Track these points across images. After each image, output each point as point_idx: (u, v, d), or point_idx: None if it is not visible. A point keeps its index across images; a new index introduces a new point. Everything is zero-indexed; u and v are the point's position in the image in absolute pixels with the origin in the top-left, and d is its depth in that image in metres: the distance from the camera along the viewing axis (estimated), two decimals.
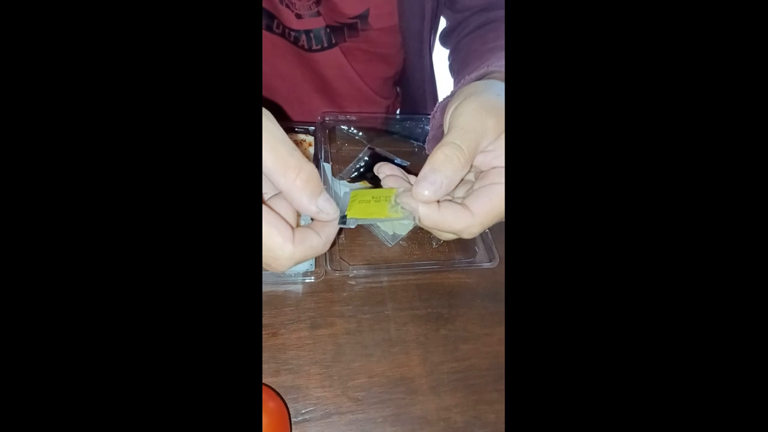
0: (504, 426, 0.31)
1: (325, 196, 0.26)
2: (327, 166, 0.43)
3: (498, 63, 0.34)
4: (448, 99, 0.33)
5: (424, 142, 0.49)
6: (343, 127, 0.51)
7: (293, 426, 0.30)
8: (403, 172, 0.31)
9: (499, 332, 0.37)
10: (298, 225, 0.27)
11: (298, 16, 0.49)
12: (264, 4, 0.48)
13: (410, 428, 0.31)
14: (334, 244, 0.38)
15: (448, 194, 0.27)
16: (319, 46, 0.52)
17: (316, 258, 0.37)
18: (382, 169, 0.31)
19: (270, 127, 0.23)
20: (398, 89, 0.66)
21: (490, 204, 0.27)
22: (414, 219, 0.27)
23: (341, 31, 0.51)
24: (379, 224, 0.41)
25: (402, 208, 0.27)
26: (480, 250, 0.41)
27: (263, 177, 0.24)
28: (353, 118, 0.51)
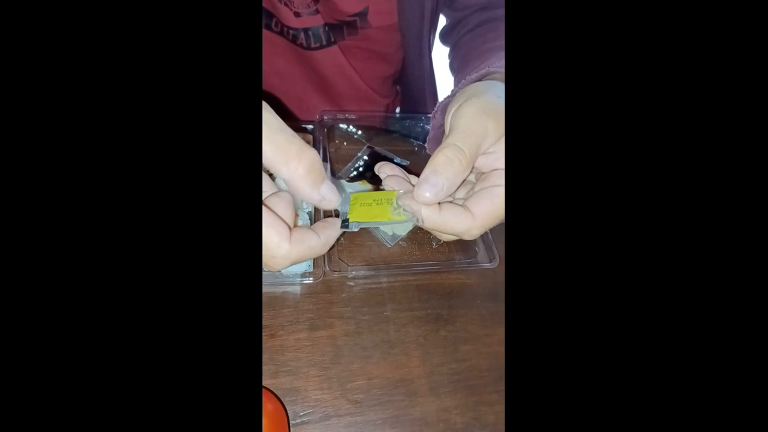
0: (504, 427, 0.31)
1: (327, 183, 0.25)
2: (325, 165, 0.43)
3: (498, 63, 0.34)
4: (449, 99, 0.33)
5: (423, 141, 0.48)
6: (342, 125, 0.50)
7: (292, 428, 0.29)
8: (404, 171, 0.31)
9: (499, 333, 0.36)
10: (295, 225, 0.27)
11: (297, 14, 0.48)
12: (263, 3, 0.47)
13: (410, 430, 0.31)
14: (333, 244, 0.38)
15: (449, 195, 0.27)
16: (317, 45, 0.51)
17: (314, 259, 0.37)
18: (383, 169, 0.31)
19: (269, 119, 0.23)
20: (398, 88, 0.66)
21: (491, 206, 0.27)
22: (416, 221, 0.27)
23: (340, 29, 0.50)
24: (379, 225, 0.41)
25: (404, 210, 0.27)
26: (480, 250, 0.41)
27: (262, 173, 0.24)
28: (352, 116, 0.51)
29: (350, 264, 0.38)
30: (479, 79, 0.33)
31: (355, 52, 0.54)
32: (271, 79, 0.56)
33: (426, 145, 0.40)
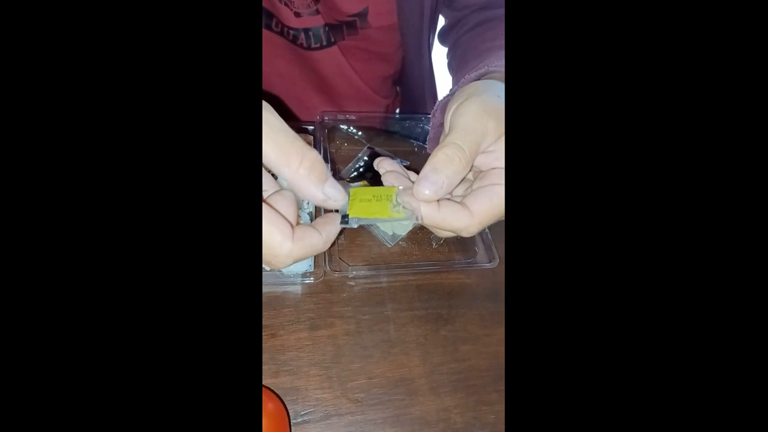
0: (504, 427, 0.31)
1: (331, 182, 0.25)
2: (326, 166, 0.43)
3: (497, 63, 0.34)
4: (448, 98, 0.33)
5: (423, 141, 0.48)
6: (342, 126, 0.51)
7: (293, 428, 0.29)
8: (403, 168, 0.31)
9: (499, 333, 0.36)
10: (297, 223, 0.27)
11: (297, 15, 0.48)
12: (263, 3, 0.48)
13: (410, 429, 0.31)
14: (333, 244, 0.38)
15: (448, 193, 0.27)
16: (318, 45, 0.51)
17: (315, 259, 0.37)
18: (382, 165, 0.31)
19: (270, 119, 0.23)
20: (398, 88, 0.66)
21: (489, 204, 0.27)
22: (415, 218, 0.27)
23: (340, 29, 0.51)
24: (379, 224, 0.41)
25: (403, 207, 0.27)
26: (480, 250, 0.41)
27: (262, 173, 0.24)
28: (353, 117, 0.51)
29: (351, 264, 0.38)
30: (478, 78, 0.33)
31: (355, 52, 0.54)
32: (271, 80, 0.56)
33: (426, 144, 0.40)
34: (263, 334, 0.34)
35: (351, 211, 0.28)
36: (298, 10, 0.48)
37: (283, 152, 0.23)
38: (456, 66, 0.49)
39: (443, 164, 0.26)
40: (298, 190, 0.25)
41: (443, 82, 0.54)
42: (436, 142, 0.27)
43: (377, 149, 0.48)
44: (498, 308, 0.38)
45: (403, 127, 0.53)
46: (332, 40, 0.51)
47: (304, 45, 0.51)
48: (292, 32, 0.50)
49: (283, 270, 0.36)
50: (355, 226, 0.28)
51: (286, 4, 0.47)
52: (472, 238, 0.42)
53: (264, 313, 0.35)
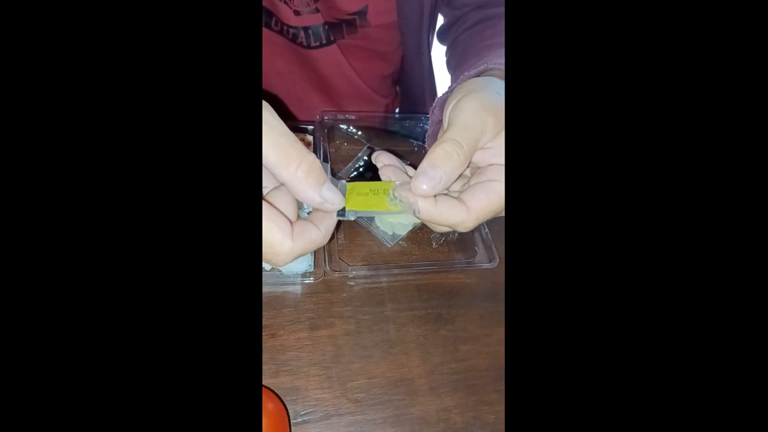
0: (504, 426, 0.31)
1: (328, 185, 0.26)
2: (326, 166, 0.43)
3: (496, 60, 0.34)
4: (447, 94, 0.33)
5: (423, 141, 0.48)
6: (342, 126, 0.50)
7: (292, 427, 0.29)
8: (401, 162, 0.31)
9: (499, 332, 0.36)
10: (298, 218, 0.27)
11: (297, 13, 0.48)
12: (263, 1, 0.47)
13: (410, 429, 0.31)
14: (333, 244, 0.38)
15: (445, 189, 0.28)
16: (317, 44, 0.51)
17: (315, 258, 0.37)
18: (380, 158, 0.31)
19: (270, 119, 0.23)
20: (397, 89, 0.66)
21: (486, 200, 0.27)
22: (412, 212, 0.27)
23: (339, 27, 0.50)
24: (378, 224, 0.41)
25: (400, 201, 0.27)
26: (480, 250, 0.41)
27: (263, 171, 0.24)
28: (352, 117, 0.51)
29: (350, 264, 0.38)
30: (477, 76, 0.33)
31: (355, 51, 0.54)
32: (270, 79, 0.56)
33: (425, 141, 0.40)
34: (263, 334, 0.33)
35: (348, 204, 0.28)
36: (297, 9, 0.48)
37: (282, 154, 0.23)
38: (455, 64, 0.49)
39: (442, 160, 0.26)
40: (295, 193, 0.25)
41: (443, 81, 0.54)
42: (435, 138, 0.27)
43: (377, 149, 0.48)
44: (498, 308, 0.38)
45: (403, 126, 0.53)
46: (332, 38, 0.51)
47: (304, 44, 0.51)
48: (291, 31, 0.50)
49: (283, 270, 0.36)
50: (352, 218, 0.29)
51: (285, 3, 0.47)
52: (472, 239, 0.42)
53: (264, 313, 0.35)
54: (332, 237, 0.38)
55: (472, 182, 0.29)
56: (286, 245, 0.25)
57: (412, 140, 0.52)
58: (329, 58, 0.53)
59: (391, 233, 0.41)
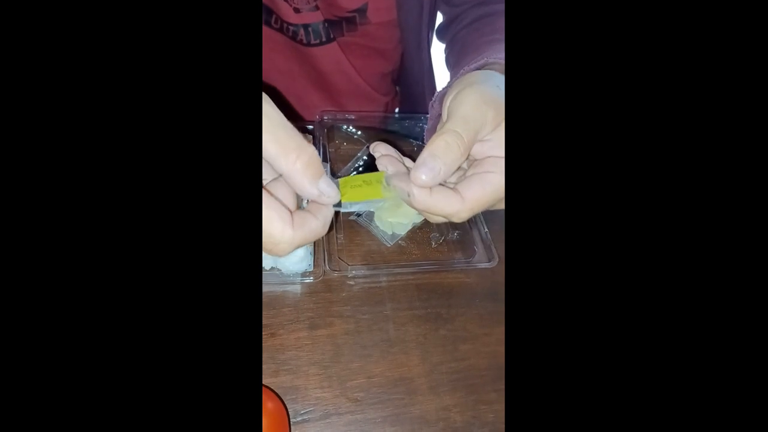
0: (503, 426, 0.31)
1: (326, 178, 0.26)
2: (325, 166, 0.43)
3: (495, 55, 0.34)
4: (447, 89, 0.33)
5: (423, 141, 0.48)
6: (342, 126, 0.50)
7: (292, 427, 0.30)
8: (398, 153, 0.31)
9: (498, 332, 0.37)
10: (298, 208, 0.27)
11: (297, 11, 0.48)
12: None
13: (409, 428, 0.31)
14: (332, 240, 0.38)
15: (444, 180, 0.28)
16: (317, 41, 0.51)
17: (314, 258, 0.37)
18: (377, 149, 0.31)
19: (269, 111, 0.23)
20: (397, 88, 0.66)
21: (481, 191, 0.28)
22: (407, 196, 0.27)
23: (339, 25, 0.50)
24: (377, 224, 0.41)
25: (394, 188, 0.28)
26: (479, 250, 0.41)
27: (262, 162, 0.24)
28: (352, 117, 0.51)
29: (350, 263, 0.38)
30: (477, 70, 0.33)
31: (354, 48, 0.53)
32: (270, 76, 0.56)
33: (424, 135, 0.40)
34: (263, 333, 0.33)
35: (343, 197, 0.28)
36: (297, 6, 0.48)
37: (281, 146, 0.23)
38: (454, 61, 0.49)
39: (442, 151, 0.26)
40: (293, 184, 0.25)
41: (442, 79, 0.54)
42: (434, 132, 0.28)
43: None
44: (497, 308, 0.38)
45: (403, 126, 0.53)
46: (331, 36, 0.51)
47: (304, 41, 0.51)
48: (291, 28, 0.50)
49: (283, 270, 0.36)
50: (349, 209, 0.29)
51: (285, 0, 0.47)
52: (471, 238, 0.42)
53: (264, 313, 0.35)
54: (332, 237, 0.38)
55: (468, 173, 0.29)
56: (286, 234, 0.25)
57: (411, 140, 0.52)
58: (329, 55, 0.53)
59: (391, 233, 0.41)
